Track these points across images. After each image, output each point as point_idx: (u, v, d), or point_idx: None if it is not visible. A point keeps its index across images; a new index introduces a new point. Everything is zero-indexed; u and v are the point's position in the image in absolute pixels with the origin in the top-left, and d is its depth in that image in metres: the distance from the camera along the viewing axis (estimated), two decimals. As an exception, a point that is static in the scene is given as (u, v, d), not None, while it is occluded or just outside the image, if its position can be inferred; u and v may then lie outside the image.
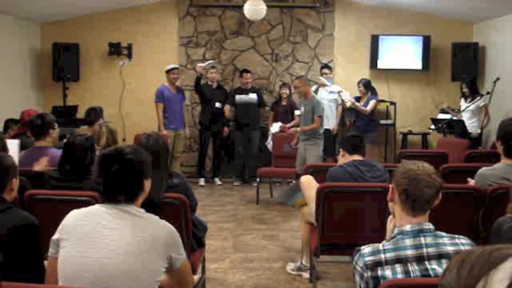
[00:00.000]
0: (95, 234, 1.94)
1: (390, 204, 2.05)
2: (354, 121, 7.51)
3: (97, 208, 2.03)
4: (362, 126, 7.43)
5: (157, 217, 2.06)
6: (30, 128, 4.26)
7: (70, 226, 1.98)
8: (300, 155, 6.28)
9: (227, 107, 7.77)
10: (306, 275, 4.16)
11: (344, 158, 3.88)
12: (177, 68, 7.47)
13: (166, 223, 2.06)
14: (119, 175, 2.01)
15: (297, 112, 7.71)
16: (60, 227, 2.01)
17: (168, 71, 7.32)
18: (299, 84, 6.27)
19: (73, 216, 2.02)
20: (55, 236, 2.01)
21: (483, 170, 3.38)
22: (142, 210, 2.06)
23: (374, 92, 7.68)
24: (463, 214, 3.33)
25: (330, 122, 7.68)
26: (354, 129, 7.49)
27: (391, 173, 2.07)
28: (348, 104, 7.47)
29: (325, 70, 7.77)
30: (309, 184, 4.01)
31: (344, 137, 4.40)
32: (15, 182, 2.37)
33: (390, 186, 2.03)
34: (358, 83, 7.55)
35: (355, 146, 3.81)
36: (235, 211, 6.38)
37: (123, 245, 1.92)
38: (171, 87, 7.38)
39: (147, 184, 2.10)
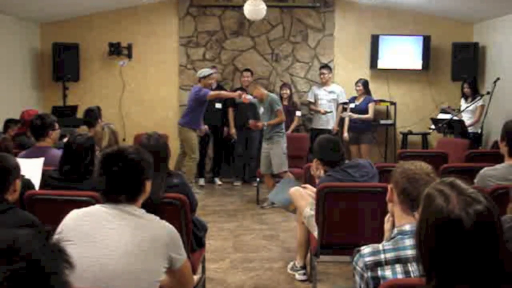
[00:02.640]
0: (95, 234, 1.94)
1: (389, 205, 2.06)
2: (353, 121, 7.52)
3: (97, 208, 2.03)
4: (360, 125, 7.43)
5: (157, 218, 2.06)
6: (30, 128, 4.26)
7: (70, 227, 1.98)
8: (265, 156, 6.38)
9: (230, 114, 7.74)
10: (297, 276, 4.16)
11: (318, 171, 3.78)
12: (213, 73, 7.25)
13: (167, 223, 2.06)
14: (121, 175, 2.02)
15: (298, 113, 7.72)
16: (60, 227, 2.01)
17: (205, 77, 7.06)
18: (253, 92, 6.67)
19: (73, 217, 2.02)
20: (54, 237, 2.00)
21: (484, 170, 3.38)
22: (143, 211, 2.06)
23: (370, 94, 7.70)
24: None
25: (330, 122, 7.68)
26: (352, 129, 7.49)
27: (391, 173, 2.07)
28: (346, 119, 7.52)
29: (323, 71, 7.72)
30: (299, 195, 4.03)
31: (319, 146, 3.83)
32: (18, 183, 2.37)
33: (389, 186, 2.03)
34: (357, 82, 7.57)
35: (335, 163, 3.71)
36: (235, 211, 6.38)
37: (123, 245, 1.92)
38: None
39: (148, 185, 2.10)
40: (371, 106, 7.45)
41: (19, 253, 0.96)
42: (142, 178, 2.06)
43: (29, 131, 5.45)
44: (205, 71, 7.21)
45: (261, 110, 6.49)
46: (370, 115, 7.43)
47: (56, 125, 4.23)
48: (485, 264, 1.32)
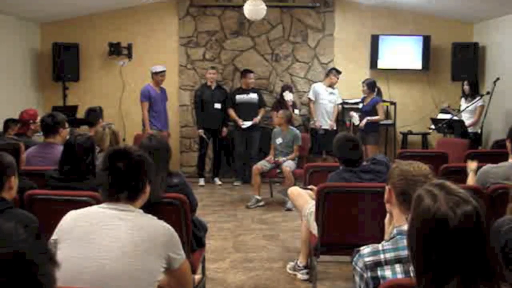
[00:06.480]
0: (93, 235, 1.94)
1: (387, 205, 2.06)
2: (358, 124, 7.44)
3: (95, 208, 2.03)
4: (366, 126, 7.39)
5: (155, 218, 2.06)
6: (41, 125, 4.38)
7: (68, 227, 1.98)
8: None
9: (232, 112, 7.72)
10: (300, 275, 4.16)
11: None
12: (165, 71, 7.46)
13: (165, 223, 2.06)
14: (125, 171, 2.03)
15: (296, 111, 7.71)
16: (57, 228, 2.00)
17: (156, 73, 7.35)
18: (276, 122, 6.90)
19: (71, 217, 2.01)
20: (52, 237, 2.00)
21: (487, 167, 3.40)
22: (141, 211, 2.06)
23: (379, 93, 7.64)
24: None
25: (329, 122, 7.66)
26: (358, 130, 7.41)
27: (388, 173, 2.07)
28: (358, 123, 7.39)
29: (337, 76, 7.58)
30: (297, 194, 4.03)
31: (337, 144, 3.79)
32: (14, 180, 2.35)
33: (387, 187, 2.04)
34: (363, 82, 7.49)
35: (352, 162, 3.69)
36: (235, 211, 6.38)
37: (122, 245, 1.92)
38: (156, 88, 7.44)
39: (148, 187, 2.11)
40: (379, 108, 7.35)
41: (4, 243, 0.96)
42: (144, 178, 2.08)
43: (30, 131, 5.49)
44: (158, 67, 7.33)
45: (279, 140, 6.73)
46: (380, 116, 7.34)
47: (66, 124, 4.34)
48: (472, 264, 1.35)
